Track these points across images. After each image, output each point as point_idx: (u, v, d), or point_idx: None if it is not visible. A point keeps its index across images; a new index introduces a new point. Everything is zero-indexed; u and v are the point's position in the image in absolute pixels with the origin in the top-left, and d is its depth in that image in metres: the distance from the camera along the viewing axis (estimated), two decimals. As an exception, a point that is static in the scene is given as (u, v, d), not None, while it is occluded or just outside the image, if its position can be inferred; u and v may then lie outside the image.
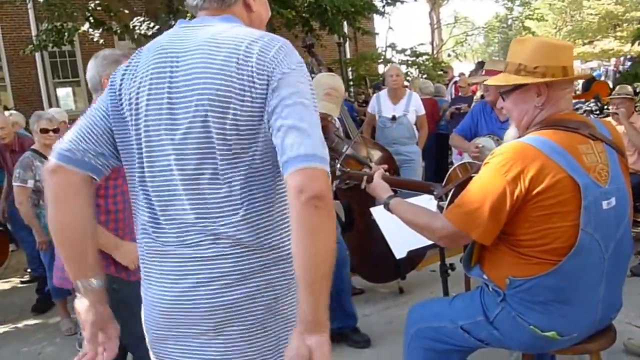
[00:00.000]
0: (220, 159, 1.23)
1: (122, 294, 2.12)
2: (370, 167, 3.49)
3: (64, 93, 14.47)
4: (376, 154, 4.03)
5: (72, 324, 4.20)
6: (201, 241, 1.26)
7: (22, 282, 5.62)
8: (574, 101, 4.76)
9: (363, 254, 3.39)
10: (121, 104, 1.32)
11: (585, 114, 4.97)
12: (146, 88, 1.28)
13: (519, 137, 1.82)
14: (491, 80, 1.99)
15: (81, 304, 1.35)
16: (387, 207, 2.04)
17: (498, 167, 1.68)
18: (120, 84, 1.33)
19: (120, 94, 1.33)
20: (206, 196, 1.25)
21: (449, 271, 2.77)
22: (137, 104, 1.29)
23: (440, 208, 2.24)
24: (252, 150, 1.24)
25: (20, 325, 4.52)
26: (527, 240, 1.69)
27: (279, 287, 1.30)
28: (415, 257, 4.13)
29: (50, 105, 12.49)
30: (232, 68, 1.20)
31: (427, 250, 2.99)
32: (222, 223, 1.25)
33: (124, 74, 1.34)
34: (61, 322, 4.27)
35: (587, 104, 5.70)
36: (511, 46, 1.93)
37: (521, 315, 1.72)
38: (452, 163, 7.12)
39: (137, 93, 1.29)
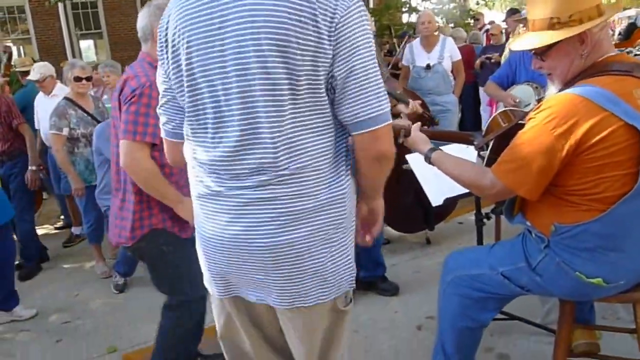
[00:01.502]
0: (279, 101, 1.22)
1: (172, 256, 2.23)
2: (407, 103, 3.47)
3: (86, 45, 14.43)
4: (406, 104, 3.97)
5: (106, 268, 4.34)
6: (259, 183, 1.27)
7: (56, 229, 5.78)
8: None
9: (392, 205, 3.37)
10: (174, 54, 1.32)
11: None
12: (195, 31, 1.25)
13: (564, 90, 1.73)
14: (526, 44, 1.77)
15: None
16: (428, 160, 1.99)
17: (545, 122, 1.61)
18: (166, 33, 1.33)
19: (169, 44, 1.32)
20: (264, 139, 1.25)
21: (484, 220, 2.77)
22: (188, 48, 1.27)
23: (480, 158, 2.20)
24: (311, 93, 1.23)
25: (56, 269, 4.68)
26: (576, 190, 1.66)
27: (333, 226, 1.32)
28: (444, 209, 4.14)
29: (74, 57, 12.50)
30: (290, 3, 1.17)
31: (460, 199, 2.98)
32: (279, 165, 1.25)
33: (168, 22, 1.32)
34: (96, 266, 4.41)
35: (637, 48, 5.46)
36: (529, 2, 1.78)
37: (566, 262, 1.71)
38: (480, 115, 7.01)
39: (186, 38, 1.27)
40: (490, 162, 1.99)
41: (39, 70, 4.66)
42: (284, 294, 1.34)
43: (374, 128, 1.25)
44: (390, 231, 4.33)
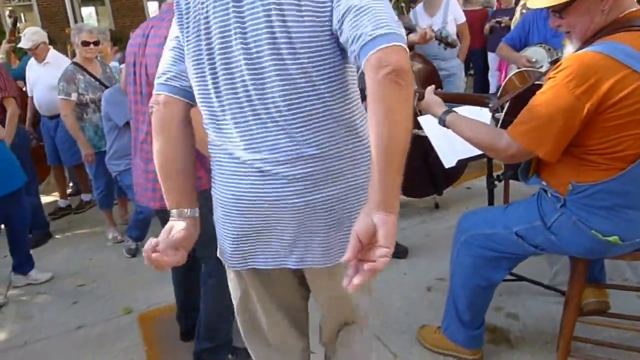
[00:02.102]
0: (294, 64, 1.20)
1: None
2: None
3: (88, 12, 14.26)
4: (415, 66, 3.95)
5: (117, 233, 4.40)
6: (277, 146, 1.26)
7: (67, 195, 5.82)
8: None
9: (402, 169, 3.41)
10: (188, 22, 1.31)
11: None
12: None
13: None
14: (544, 1, 1.71)
15: (174, 225, 1.38)
16: (442, 122, 1.98)
17: (565, 81, 1.59)
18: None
19: (185, 11, 1.31)
20: (281, 103, 1.23)
21: (495, 182, 2.78)
22: (206, 17, 1.26)
23: (495, 120, 2.20)
24: (326, 53, 1.21)
25: (69, 234, 4.74)
26: (596, 149, 1.66)
27: (355, 191, 1.32)
28: (453, 174, 4.15)
29: (76, 24, 12.36)
30: None
31: (469, 163, 2.98)
32: (299, 126, 1.25)
33: None
34: (107, 232, 4.46)
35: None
36: None
37: (582, 220, 1.73)
38: (488, 81, 6.94)
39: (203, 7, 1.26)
40: (505, 124, 1.99)
41: (31, 37, 4.57)
42: (306, 254, 1.35)
43: (389, 44, 1.06)
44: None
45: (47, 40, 4.69)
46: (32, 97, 4.80)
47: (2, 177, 3.27)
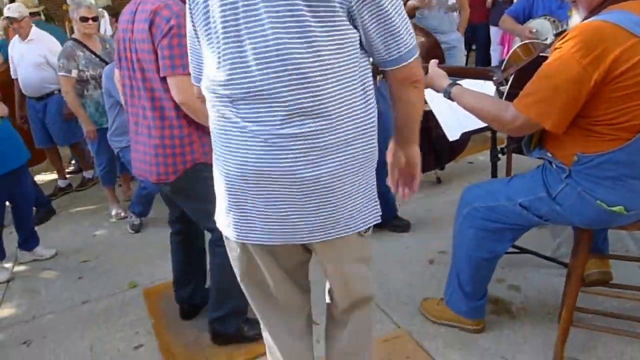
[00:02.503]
0: (308, 33, 1.21)
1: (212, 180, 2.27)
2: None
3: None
4: (418, 39, 3.91)
5: (121, 210, 4.41)
6: (285, 118, 1.26)
7: (68, 173, 5.81)
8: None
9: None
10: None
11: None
12: None
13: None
14: None
15: None
16: (448, 95, 1.97)
17: (572, 51, 1.58)
18: None
19: None
20: (292, 71, 1.23)
21: (499, 155, 2.78)
22: None
23: (500, 93, 2.19)
24: (339, 26, 1.23)
25: (72, 211, 4.76)
26: (603, 120, 1.65)
27: (362, 158, 1.34)
28: (455, 148, 4.15)
29: (73, -1, 12.20)
30: None
31: (473, 136, 2.98)
32: (306, 97, 1.25)
33: None
34: (110, 208, 4.47)
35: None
36: None
37: (587, 191, 1.73)
38: (490, 55, 6.87)
39: None
40: (510, 97, 1.98)
41: (17, 8, 4.43)
42: (312, 228, 1.36)
43: (408, 62, 1.34)
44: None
45: (28, 15, 4.50)
46: (17, 79, 4.66)
47: (7, 154, 3.27)
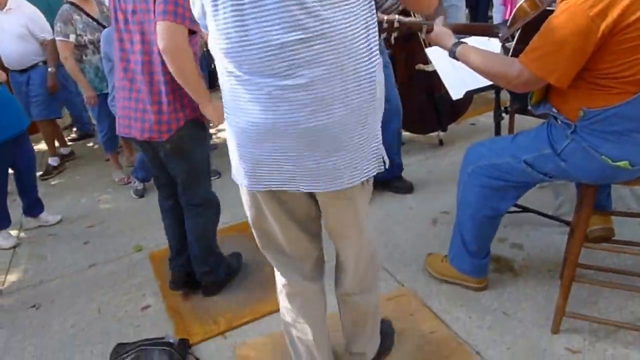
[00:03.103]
0: None
1: (204, 143, 2.38)
2: None
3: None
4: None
5: (124, 175, 4.43)
6: (288, 68, 1.25)
7: (70, 141, 5.81)
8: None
9: (405, 106, 3.39)
10: None
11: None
12: None
13: None
14: None
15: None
16: (453, 54, 1.94)
17: (580, 2, 1.55)
18: None
19: None
20: (300, 20, 1.22)
21: (503, 114, 2.76)
22: None
23: (505, 50, 2.15)
24: None
25: (76, 178, 4.77)
26: (609, 73, 1.63)
27: (365, 107, 1.33)
28: (457, 110, 4.13)
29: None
30: None
31: (476, 95, 2.95)
32: (311, 47, 1.23)
33: None
34: (114, 174, 4.49)
35: None
36: None
37: (592, 146, 1.72)
38: (491, 17, 6.75)
39: None
40: (516, 53, 1.95)
41: None
42: (318, 178, 1.37)
43: None
44: (403, 133, 4.34)
45: None
46: None
47: (8, 119, 3.26)
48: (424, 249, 2.78)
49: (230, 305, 2.54)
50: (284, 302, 1.78)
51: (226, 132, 1.49)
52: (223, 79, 1.40)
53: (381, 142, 1.44)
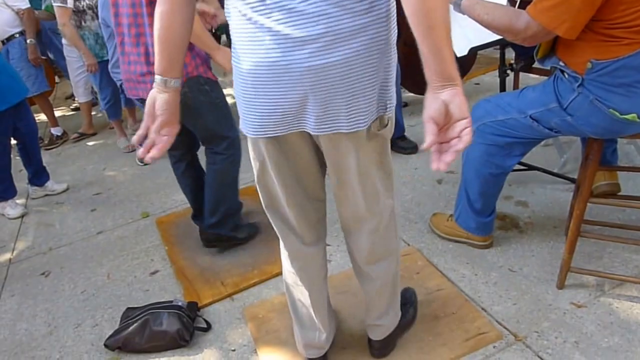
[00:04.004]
0: None
1: (213, 94, 2.35)
2: None
3: None
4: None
5: (129, 142, 4.44)
6: (291, 7, 1.20)
7: (72, 110, 5.80)
8: None
9: (408, 67, 3.34)
10: None
11: None
12: None
13: None
14: None
15: (157, 97, 1.37)
16: (458, 8, 1.89)
17: None
18: None
19: None
20: None
21: (508, 71, 2.72)
22: None
23: (512, 2, 2.10)
24: None
25: (79, 147, 4.78)
26: (619, 23, 1.58)
27: (375, 48, 1.26)
28: (460, 69, 4.06)
29: None
30: None
31: (481, 52, 2.90)
32: None
33: None
34: (118, 141, 4.49)
35: None
36: None
37: (600, 99, 1.69)
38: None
39: None
40: (523, 5, 1.91)
41: None
42: (324, 119, 1.32)
43: None
44: (407, 94, 4.31)
45: None
46: None
47: (9, 87, 3.24)
48: (429, 209, 2.78)
49: (237, 268, 2.57)
50: (285, 264, 1.78)
51: (234, 81, 1.43)
52: (234, 23, 1.34)
53: (393, 86, 1.38)
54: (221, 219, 2.62)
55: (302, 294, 1.77)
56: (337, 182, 1.52)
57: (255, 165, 1.55)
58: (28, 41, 4.29)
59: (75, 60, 4.38)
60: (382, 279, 1.75)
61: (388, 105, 1.37)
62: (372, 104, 1.33)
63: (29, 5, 4.19)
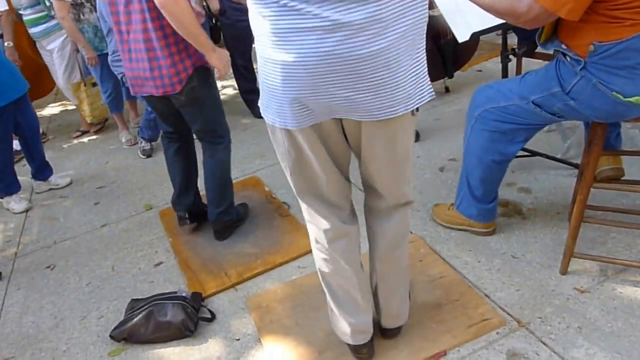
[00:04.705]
0: None
1: (214, 89, 2.45)
2: None
3: None
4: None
5: (131, 136, 4.43)
6: None
7: (75, 105, 5.79)
8: None
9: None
10: None
11: None
12: None
13: None
14: None
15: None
16: None
17: None
18: None
19: None
20: None
21: (510, 56, 2.70)
22: None
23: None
24: None
25: (84, 140, 4.78)
26: (622, 4, 1.56)
27: (416, 31, 1.29)
28: (462, 56, 4.04)
29: None
30: None
31: (483, 36, 2.87)
32: None
33: None
34: (120, 135, 4.49)
35: None
36: None
37: (603, 82, 1.68)
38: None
39: None
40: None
41: None
42: (373, 106, 1.34)
43: None
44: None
45: None
46: None
47: (9, 83, 3.23)
48: (432, 197, 2.78)
49: (241, 258, 2.57)
50: (321, 253, 1.73)
51: (263, 76, 1.40)
52: (267, 13, 1.30)
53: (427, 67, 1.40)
54: (227, 207, 2.70)
55: (346, 279, 1.74)
56: (377, 167, 1.54)
57: (289, 155, 1.53)
58: (6, 44, 4.22)
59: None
60: (403, 262, 1.80)
61: (427, 86, 1.39)
62: (417, 86, 1.35)
63: (7, 8, 4.13)
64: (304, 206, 1.68)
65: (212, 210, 2.69)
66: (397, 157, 1.51)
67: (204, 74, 2.33)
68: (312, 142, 1.48)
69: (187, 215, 2.81)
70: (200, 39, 2.15)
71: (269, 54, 1.34)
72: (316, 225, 1.69)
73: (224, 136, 2.61)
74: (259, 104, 1.50)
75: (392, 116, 1.35)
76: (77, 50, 4.30)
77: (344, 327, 1.84)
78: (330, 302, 1.83)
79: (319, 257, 1.75)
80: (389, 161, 1.52)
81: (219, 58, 2.25)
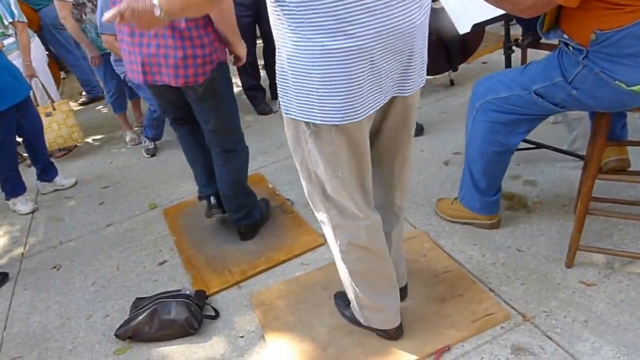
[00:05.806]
0: None
1: (230, 83, 2.43)
2: None
3: None
4: None
5: (135, 135, 4.44)
6: None
7: (79, 104, 5.82)
8: None
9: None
10: None
11: None
12: None
13: None
14: None
15: None
16: None
17: None
18: None
19: None
20: None
21: (513, 48, 2.67)
22: None
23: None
24: None
25: (88, 140, 4.79)
26: None
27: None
28: (467, 48, 4.01)
29: None
30: None
31: (487, 26, 2.84)
32: None
33: None
34: (124, 135, 4.49)
35: None
36: None
37: (606, 71, 1.65)
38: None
39: None
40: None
41: None
42: (418, 77, 1.49)
43: None
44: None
45: None
46: None
47: (11, 86, 3.24)
48: (436, 191, 2.76)
49: (244, 256, 2.57)
50: (356, 253, 1.68)
51: (322, 70, 1.32)
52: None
53: None
54: (247, 211, 2.64)
55: (384, 263, 1.74)
56: (396, 139, 1.65)
57: (338, 155, 1.48)
58: None
59: None
60: (404, 215, 1.89)
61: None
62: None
63: None
64: (333, 212, 1.61)
65: (233, 215, 2.65)
66: (410, 132, 1.65)
67: (225, 69, 2.32)
68: (358, 134, 1.48)
69: (219, 203, 2.71)
70: (236, 29, 2.23)
71: (327, 43, 1.29)
72: (352, 225, 1.62)
73: (238, 142, 2.52)
74: (295, 109, 1.44)
75: (422, 85, 1.53)
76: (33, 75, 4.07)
77: (382, 316, 1.85)
78: (364, 298, 1.79)
79: (352, 259, 1.70)
80: (405, 135, 1.65)
81: (244, 47, 2.35)
